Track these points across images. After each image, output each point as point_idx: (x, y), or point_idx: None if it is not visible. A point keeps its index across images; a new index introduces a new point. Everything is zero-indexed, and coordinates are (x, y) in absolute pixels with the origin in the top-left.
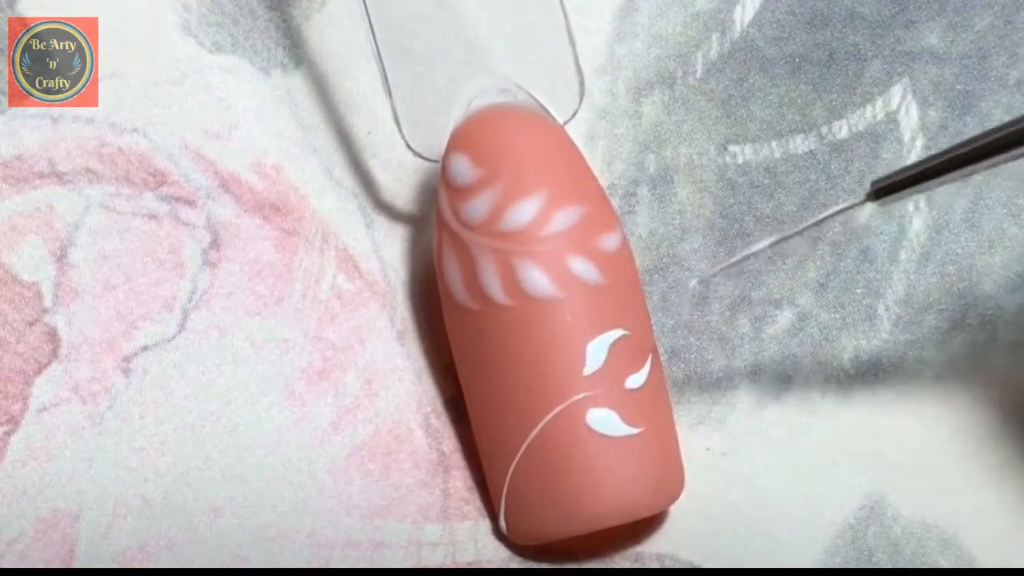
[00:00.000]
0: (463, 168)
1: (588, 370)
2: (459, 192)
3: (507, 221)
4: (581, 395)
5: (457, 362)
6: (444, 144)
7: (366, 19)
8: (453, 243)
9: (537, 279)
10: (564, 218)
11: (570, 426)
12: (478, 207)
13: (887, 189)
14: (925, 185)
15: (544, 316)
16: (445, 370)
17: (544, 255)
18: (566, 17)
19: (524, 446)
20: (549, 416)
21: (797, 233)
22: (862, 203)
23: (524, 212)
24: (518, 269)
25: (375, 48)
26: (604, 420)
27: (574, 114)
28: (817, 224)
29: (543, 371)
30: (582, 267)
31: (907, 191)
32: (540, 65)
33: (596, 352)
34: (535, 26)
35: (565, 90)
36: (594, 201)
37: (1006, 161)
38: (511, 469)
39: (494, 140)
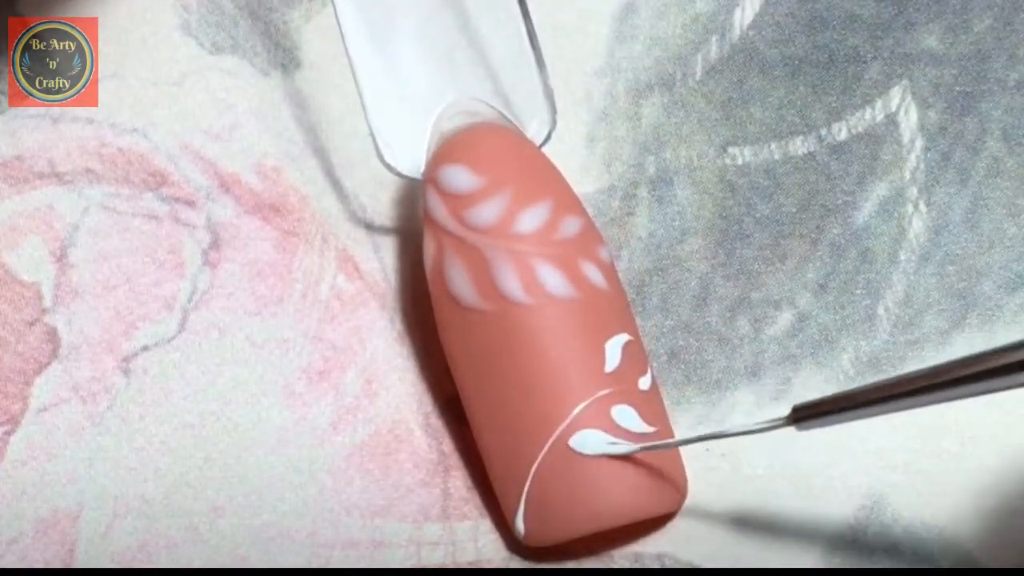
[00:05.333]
0: (463, 177)
1: (609, 367)
2: (461, 200)
3: (520, 225)
4: (605, 391)
5: (458, 368)
6: (420, 160)
7: (341, 40)
8: (458, 248)
9: (556, 278)
10: (570, 226)
11: (597, 422)
12: (487, 212)
13: (809, 415)
14: (848, 415)
15: (565, 313)
16: (445, 370)
17: (559, 257)
18: (535, 48)
19: (548, 443)
20: (575, 412)
21: (725, 436)
22: (783, 425)
23: (535, 217)
24: (537, 269)
25: (351, 67)
26: (627, 416)
27: (547, 139)
28: (737, 435)
29: (567, 367)
30: (591, 271)
31: (829, 419)
32: (513, 90)
33: (613, 351)
34: (507, 52)
35: (536, 116)
36: (585, 215)
37: (939, 402)
38: (533, 467)
39: (493, 151)
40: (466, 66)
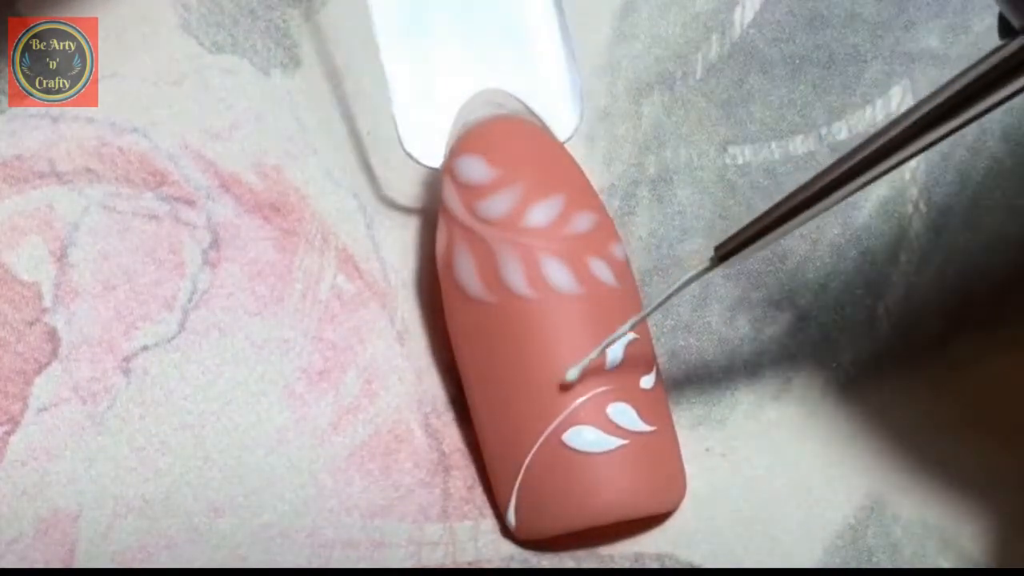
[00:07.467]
0: (478, 169)
1: (609, 365)
2: (474, 191)
3: (529, 219)
4: (603, 388)
5: (462, 358)
6: (441, 149)
7: (372, 26)
8: (467, 238)
9: (561, 273)
10: (582, 221)
11: (591, 418)
12: (498, 205)
13: (730, 252)
14: (765, 240)
15: (568, 309)
16: (446, 370)
17: (566, 252)
18: (567, 41)
19: (542, 437)
20: (571, 407)
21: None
22: (711, 269)
23: (546, 212)
24: (542, 263)
25: (380, 56)
26: (624, 414)
27: (573, 133)
28: (671, 295)
29: (565, 363)
30: (600, 268)
31: (749, 249)
32: (541, 84)
33: (615, 349)
34: (538, 45)
35: (564, 110)
36: (601, 212)
37: (842, 199)
38: (527, 461)
39: (511, 144)
40: (495, 58)
